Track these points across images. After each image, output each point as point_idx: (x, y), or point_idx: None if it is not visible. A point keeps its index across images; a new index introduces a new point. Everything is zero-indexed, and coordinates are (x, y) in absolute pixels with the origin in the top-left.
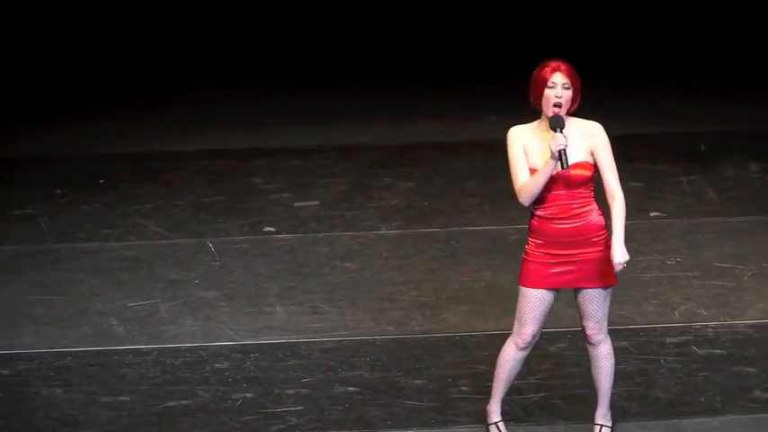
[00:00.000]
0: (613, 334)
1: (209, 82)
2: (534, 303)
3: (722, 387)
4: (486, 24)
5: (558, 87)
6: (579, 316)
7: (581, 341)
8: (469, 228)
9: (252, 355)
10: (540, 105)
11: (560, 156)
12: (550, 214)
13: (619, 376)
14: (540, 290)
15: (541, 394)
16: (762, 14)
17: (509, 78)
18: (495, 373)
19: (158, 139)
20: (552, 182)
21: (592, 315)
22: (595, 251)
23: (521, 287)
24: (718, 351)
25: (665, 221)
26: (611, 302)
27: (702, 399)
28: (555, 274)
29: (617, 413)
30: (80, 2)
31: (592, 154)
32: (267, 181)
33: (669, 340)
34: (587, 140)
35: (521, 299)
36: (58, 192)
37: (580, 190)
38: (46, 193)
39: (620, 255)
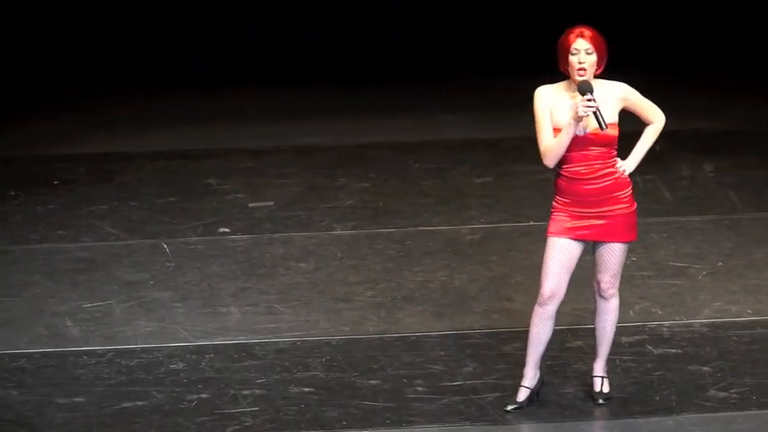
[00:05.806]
0: (569, 333)
1: (161, 81)
2: (557, 252)
3: (677, 386)
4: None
5: (581, 53)
6: (596, 270)
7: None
8: (425, 228)
9: (207, 356)
10: (567, 71)
11: (596, 117)
12: (576, 174)
13: (574, 375)
14: (565, 238)
15: (497, 394)
16: (717, 13)
17: (464, 78)
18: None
19: (113, 140)
20: (579, 143)
21: (610, 268)
22: (621, 207)
23: (547, 237)
24: (673, 350)
25: None
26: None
27: (658, 398)
28: (581, 226)
29: (572, 413)
30: (33, 2)
31: (622, 111)
32: (222, 182)
33: (624, 339)
34: (615, 101)
35: (546, 250)
36: (12, 193)
37: (606, 150)
38: None
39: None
